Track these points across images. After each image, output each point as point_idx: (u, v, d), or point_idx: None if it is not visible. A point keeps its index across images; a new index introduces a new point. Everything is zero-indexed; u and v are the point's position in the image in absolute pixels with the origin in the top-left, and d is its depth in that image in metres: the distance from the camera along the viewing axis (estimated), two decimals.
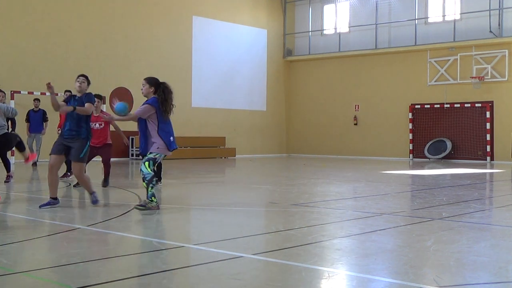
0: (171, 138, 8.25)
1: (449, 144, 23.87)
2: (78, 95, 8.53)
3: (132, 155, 22.85)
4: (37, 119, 17.68)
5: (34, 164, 16.37)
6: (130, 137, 20.98)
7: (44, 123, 17.77)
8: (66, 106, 8.35)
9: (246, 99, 27.24)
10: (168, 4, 24.34)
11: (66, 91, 13.17)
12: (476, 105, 23.38)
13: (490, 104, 23.15)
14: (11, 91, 18.82)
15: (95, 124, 11.00)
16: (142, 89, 8.54)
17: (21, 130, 16.31)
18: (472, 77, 23.06)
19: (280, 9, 28.97)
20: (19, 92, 19.17)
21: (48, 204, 8.25)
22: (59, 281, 4.42)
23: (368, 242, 6.06)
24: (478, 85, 23.01)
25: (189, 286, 4.40)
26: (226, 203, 9.48)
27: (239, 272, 4.75)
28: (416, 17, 25.13)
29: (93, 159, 11.34)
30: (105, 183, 11.41)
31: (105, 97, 21.65)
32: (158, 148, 8.13)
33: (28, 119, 17.63)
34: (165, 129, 8.19)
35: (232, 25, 26.71)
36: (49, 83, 8.02)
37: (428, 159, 24.26)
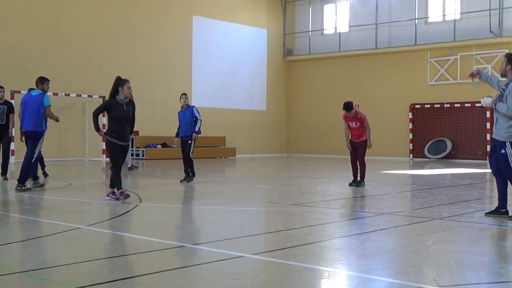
0: None
1: (449, 144, 23.87)
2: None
3: (132, 154, 22.84)
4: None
5: None
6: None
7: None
8: None
9: (246, 99, 27.24)
10: (168, 4, 24.34)
11: None
12: (476, 105, 23.37)
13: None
14: (11, 91, 18.81)
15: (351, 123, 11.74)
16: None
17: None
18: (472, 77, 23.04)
19: (280, 9, 28.97)
20: (19, 92, 19.16)
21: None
22: (59, 281, 4.42)
23: (368, 242, 6.07)
24: (478, 85, 22.79)
25: (189, 286, 4.40)
26: (226, 202, 9.48)
27: (239, 272, 4.75)
28: (416, 17, 25.12)
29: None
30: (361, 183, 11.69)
31: (104, 96, 21.70)
32: None
33: None
34: None
35: (232, 25, 26.70)
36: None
37: (428, 159, 24.26)
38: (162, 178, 14.64)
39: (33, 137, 10.55)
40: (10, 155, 13.35)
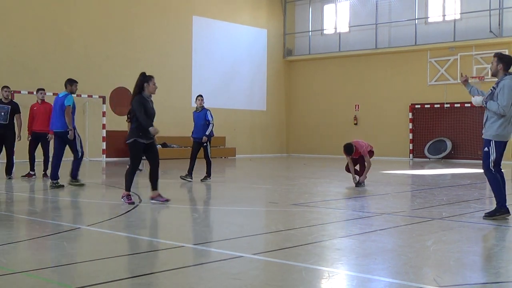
0: None
1: (449, 144, 23.86)
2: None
3: None
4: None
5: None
6: None
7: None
8: None
9: (246, 99, 27.23)
10: (168, 4, 24.34)
11: None
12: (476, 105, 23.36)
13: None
14: (11, 91, 18.78)
15: None
16: None
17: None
18: (472, 77, 23.04)
19: (280, 9, 28.97)
20: (19, 92, 19.16)
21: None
22: (59, 281, 4.42)
23: (368, 242, 6.07)
24: (478, 85, 23.00)
25: (189, 286, 4.40)
26: (226, 202, 9.48)
27: (239, 272, 4.76)
28: (416, 17, 25.12)
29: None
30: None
31: (104, 96, 21.73)
32: None
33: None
34: None
35: (232, 25, 26.70)
36: None
37: (428, 159, 24.26)
38: (162, 178, 14.62)
39: (62, 137, 11.17)
40: (13, 155, 13.35)
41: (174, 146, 23.47)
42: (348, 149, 11.87)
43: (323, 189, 11.87)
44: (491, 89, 7.57)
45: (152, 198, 8.89)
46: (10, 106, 12.97)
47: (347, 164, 12.29)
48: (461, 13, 23.98)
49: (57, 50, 20.92)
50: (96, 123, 21.80)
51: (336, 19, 27.83)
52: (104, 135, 21.92)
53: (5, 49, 19.79)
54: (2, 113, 12.81)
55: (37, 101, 13.47)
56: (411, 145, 25.13)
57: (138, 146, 8.68)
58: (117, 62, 22.37)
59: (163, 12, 24.10)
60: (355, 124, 26.83)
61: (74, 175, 11.44)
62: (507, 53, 22.44)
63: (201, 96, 13.13)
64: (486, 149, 7.42)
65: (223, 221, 7.55)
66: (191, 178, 12.78)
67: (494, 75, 7.63)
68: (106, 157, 21.84)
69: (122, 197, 8.79)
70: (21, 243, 5.91)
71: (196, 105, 13.19)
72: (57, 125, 11.20)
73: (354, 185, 11.85)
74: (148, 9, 23.58)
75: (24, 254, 5.44)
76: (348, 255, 5.48)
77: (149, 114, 8.69)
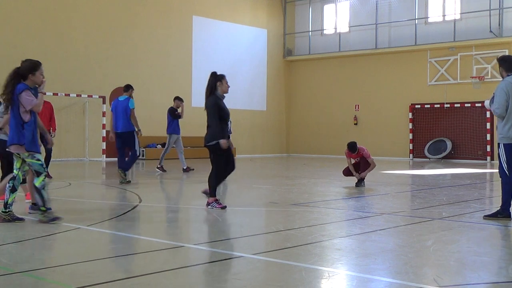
0: None
1: (449, 144, 23.86)
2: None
3: None
4: None
5: None
6: None
7: None
8: None
9: (246, 99, 27.22)
10: (168, 4, 24.34)
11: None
12: (476, 105, 23.37)
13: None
14: None
15: None
16: None
17: None
18: (472, 77, 23.05)
19: (280, 9, 28.97)
20: None
21: None
22: (59, 281, 4.42)
23: (368, 242, 6.07)
24: (478, 85, 23.00)
25: (189, 286, 4.40)
26: (226, 202, 9.47)
27: (239, 272, 4.76)
28: (416, 17, 25.12)
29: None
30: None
31: (104, 96, 21.74)
32: None
33: None
34: None
35: (232, 25, 26.70)
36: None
37: (428, 159, 24.25)
38: (163, 178, 14.63)
39: (124, 137, 12.10)
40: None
41: (174, 146, 23.44)
42: (353, 147, 11.92)
43: (323, 189, 11.87)
44: (494, 92, 7.62)
45: (210, 203, 8.42)
46: None
47: (345, 169, 12.26)
48: (461, 13, 23.98)
49: (57, 50, 20.92)
50: (96, 123, 21.79)
51: (336, 19, 27.83)
52: (104, 135, 21.91)
53: (5, 49, 19.79)
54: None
55: None
56: (411, 145, 25.13)
57: (221, 150, 8.28)
58: (117, 62, 22.37)
59: (163, 12, 24.09)
60: (355, 124, 26.83)
61: (126, 168, 12.09)
62: (507, 54, 22.52)
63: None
64: (498, 152, 7.45)
65: (223, 221, 7.55)
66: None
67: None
68: (106, 157, 21.84)
69: (209, 204, 8.30)
70: (21, 243, 5.91)
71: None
72: (121, 127, 12.10)
73: (354, 184, 11.85)
74: (148, 9, 23.58)
75: (24, 254, 5.44)
76: (348, 255, 5.47)
77: (225, 113, 8.36)
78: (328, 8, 28.15)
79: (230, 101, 26.83)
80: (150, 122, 22.72)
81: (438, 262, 5.10)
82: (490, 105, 7.57)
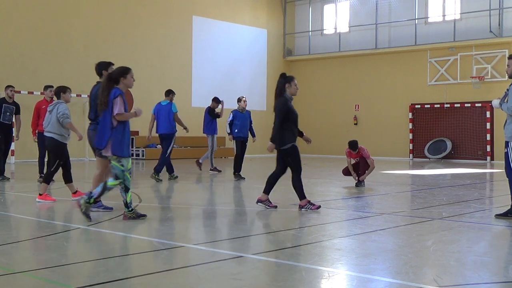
0: None
1: (449, 144, 23.86)
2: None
3: (132, 155, 22.85)
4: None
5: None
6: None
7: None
8: None
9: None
10: (168, 4, 24.34)
11: None
12: (476, 105, 23.38)
13: (490, 104, 23.13)
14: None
15: None
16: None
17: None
18: (472, 77, 23.06)
19: (280, 9, 28.97)
20: (19, 92, 19.15)
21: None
22: (59, 281, 4.42)
23: (368, 242, 6.07)
24: (478, 85, 23.01)
25: (189, 286, 4.40)
26: (226, 202, 9.47)
27: (239, 272, 4.75)
28: (416, 17, 25.12)
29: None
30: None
31: None
32: None
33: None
34: None
35: (232, 25, 26.70)
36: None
37: (428, 159, 24.25)
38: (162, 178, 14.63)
39: (166, 138, 13.07)
40: (10, 154, 13.43)
41: (174, 146, 23.44)
42: (354, 145, 11.97)
43: (323, 189, 11.87)
44: (505, 91, 7.55)
45: (260, 201, 8.55)
46: (14, 107, 13.01)
47: (345, 168, 12.28)
48: (461, 13, 23.98)
49: (57, 50, 20.92)
50: None
51: (336, 19, 27.83)
52: None
53: (5, 49, 19.79)
54: (8, 113, 12.83)
55: (44, 98, 12.65)
56: (411, 145, 25.13)
57: (297, 150, 8.37)
58: (117, 62, 22.25)
59: (163, 12, 24.09)
60: (355, 124, 26.83)
61: (158, 170, 12.87)
62: (507, 54, 22.51)
63: (244, 97, 14.49)
64: (506, 150, 7.42)
65: (223, 221, 7.55)
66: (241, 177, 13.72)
67: (510, 77, 7.62)
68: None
69: (303, 206, 8.25)
70: (21, 243, 5.91)
71: (239, 106, 14.45)
72: (163, 129, 13.04)
73: (354, 184, 11.85)
74: (148, 9, 23.58)
75: (24, 254, 5.44)
76: (348, 255, 5.47)
77: (294, 115, 8.39)
78: (328, 8, 28.15)
79: (230, 101, 26.98)
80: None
81: (438, 262, 5.10)
82: (500, 105, 7.51)
